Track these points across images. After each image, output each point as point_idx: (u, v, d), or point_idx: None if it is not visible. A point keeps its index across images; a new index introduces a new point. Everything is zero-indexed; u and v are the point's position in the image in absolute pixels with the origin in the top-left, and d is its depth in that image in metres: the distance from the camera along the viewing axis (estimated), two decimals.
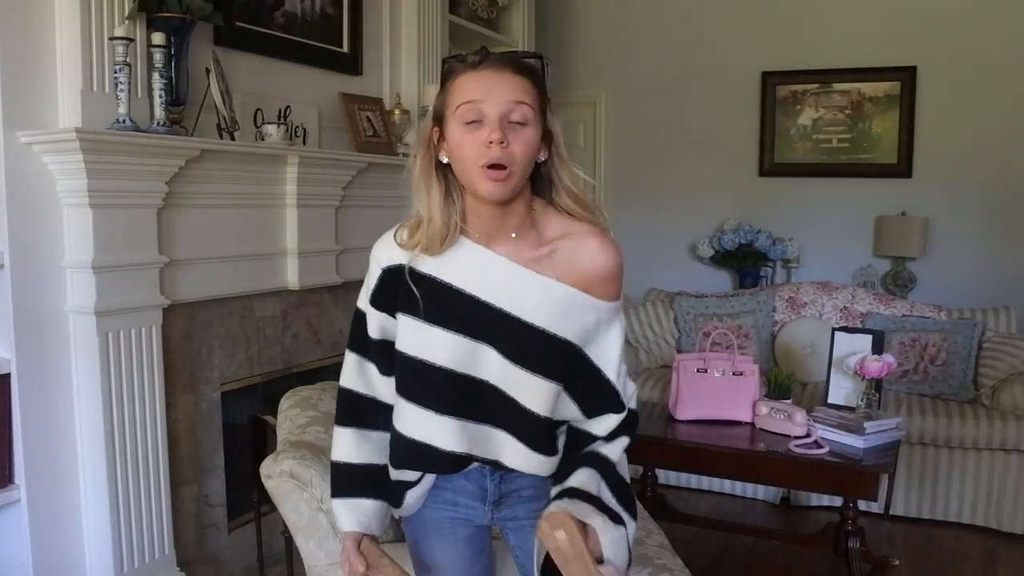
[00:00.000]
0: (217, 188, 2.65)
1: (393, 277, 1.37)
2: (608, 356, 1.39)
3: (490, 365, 1.35)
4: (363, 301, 1.44)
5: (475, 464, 1.44)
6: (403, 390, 1.40)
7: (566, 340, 1.34)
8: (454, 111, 1.28)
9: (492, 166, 1.25)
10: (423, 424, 1.38)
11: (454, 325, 1.33)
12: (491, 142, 1.24)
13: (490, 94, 1.25)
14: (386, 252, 1.39)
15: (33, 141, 2.17)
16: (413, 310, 1.35)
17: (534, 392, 1.34)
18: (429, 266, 1.35)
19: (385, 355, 1.43)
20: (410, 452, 1.41)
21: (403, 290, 1.36)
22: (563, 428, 1.44)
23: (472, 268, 1.34)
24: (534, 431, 1.37)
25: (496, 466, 1.43)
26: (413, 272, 1.35)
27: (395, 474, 1.48)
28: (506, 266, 1.33)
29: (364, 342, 1.45)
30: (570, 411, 1.41)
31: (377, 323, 1.42)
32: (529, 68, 1.31)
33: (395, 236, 1.38)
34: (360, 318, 1.45)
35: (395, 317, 1.39)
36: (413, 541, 1.56)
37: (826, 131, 4.97)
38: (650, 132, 5.33)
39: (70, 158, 2.18)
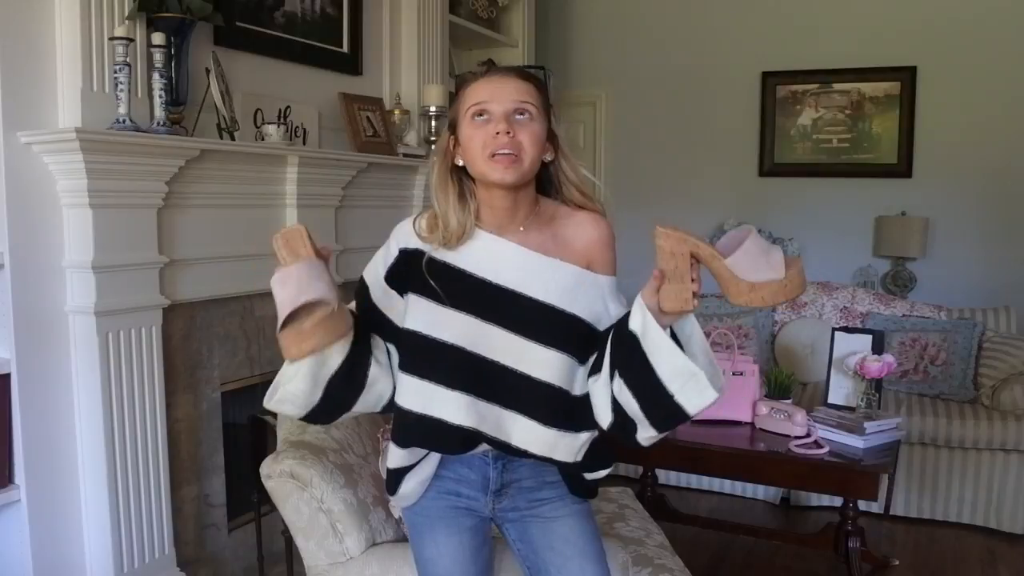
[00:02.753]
0: (217, 188, 2.65)
1: (408, 259, 1.46)
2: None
3: (501, 345, 1.42)
4: (370, 274, 1.52)
5: (480, 449, 1.48)
6: (409, 367, 1.46)
7: (574, 315, 1.43)
8: (465, 113, 1.40)
9: (498, 155, 1.36)
10: (432, 399, 1.43)
11: (466, 307, 1.42)
12: (498, 132, 1.36)
13: (496, 95, 1.38)
14: (406, 234, 1.48)
15: (33, 141, 2.17)
16: (427, 293, 1.43)
17: (548, 364, 1.42)
18: (445, 254, 1.44)
19: (376, 327, 1.49)
20: (418, 428, 1.46)
21: (417, 272, 1.44)
22: (585, 404, 1.46)
23: (485, 255, 1.44)
24: (549, 404, 1.43)
25: (503, 449, 1.46)
26: (431, 261, 1.44)
27: (393, 459, 1.51)
28: (516, 251, 1.43)
29: (364, 307, 1.51)
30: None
31: (382, 295, 1.49)
32: (532, 75, 1.45)
33: (414, 224, 1.48)
34: (363, 289, 1.52)
35: (402, 296, 1.47)
36: (416, 531, 1.59)
37: (826, 131, 4.97)
38: (650, 132, 5.33)
39: (70, 158, 2.18)
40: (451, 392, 1.42)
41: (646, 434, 1.38)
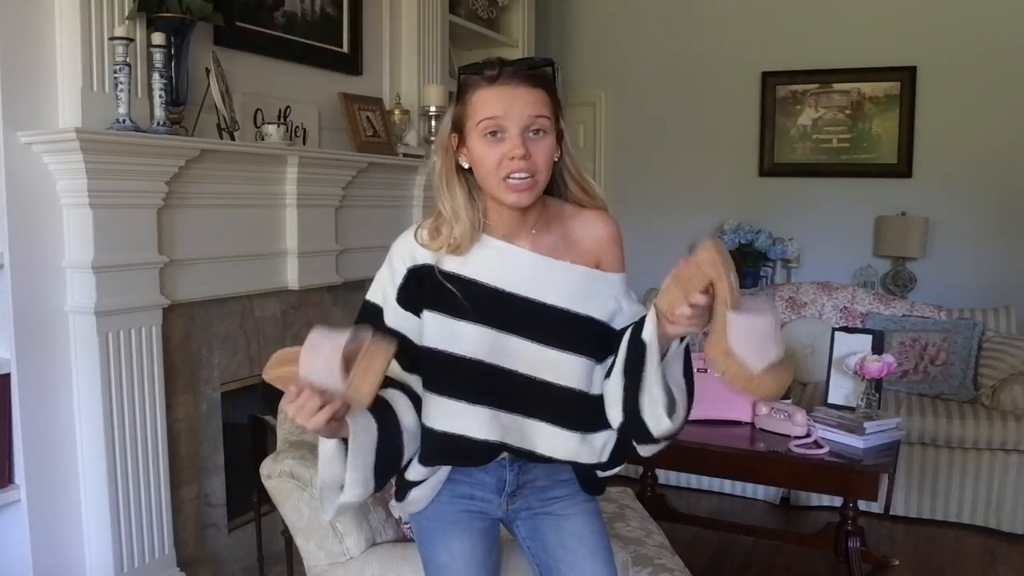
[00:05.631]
0: (217, 188, 2.65)
1: (418, 276, 1.41)
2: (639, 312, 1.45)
3: (519, 354, 1.40)
4: (377, 295, 1.46)
5: (499, 456, 1.47)
6: (432, 385, 1.43)
7: (588, 316, 1.41)
8: (475, 125, 1.34)
9: (513, 178, 1.32)
10: (456, 416, 1.41)
11: (480, 318, 1.39)
12: (513, 157, 1.31)
13: (510, 110, 1.33)
14: (410, 251, 1.43)
15: (33, 141, 2.17)
16: (440, 307, 1.40)
17: (568, 369, 1.41)
18: (453, 264, 1.40)
19: (399, 348, 1.43)
20: (444, 446, 1.43)
21: (429, 289, 1.40)
22: (601, 403, 1.45)
23: (495, 262, 1.40)
24: (572, 409, 1.42)
25: (528, 457, 1.45)
26: (442, 272, 1.40)
27: (412, 472, 1.49)
28: (526, 256, 1.40)
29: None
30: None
31: (394, 318, 1.43)
32: (543, 78, 1.38)
33: (416, 236, 1.43)
34: (374, 311, 1.45)
35: (419, 316, 1.42)
36: (427, 537, 1.56)
37: (826, 131, 4.97)
38: (650, 132, 5.33)
39: (70, 158, 2.18)
40: (473, 407, 1.40)
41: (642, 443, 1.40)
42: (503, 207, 1.38)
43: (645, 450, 1.42)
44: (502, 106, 1.33)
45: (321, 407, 1.19)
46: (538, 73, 1.38)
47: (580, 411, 1.43)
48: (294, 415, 1.21)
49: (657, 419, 1.34)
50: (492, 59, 1.38)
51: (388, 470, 1.42)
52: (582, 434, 1.43)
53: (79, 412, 2.34)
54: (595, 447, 1.45)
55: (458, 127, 1.39)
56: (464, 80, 1.39)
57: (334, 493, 1.36)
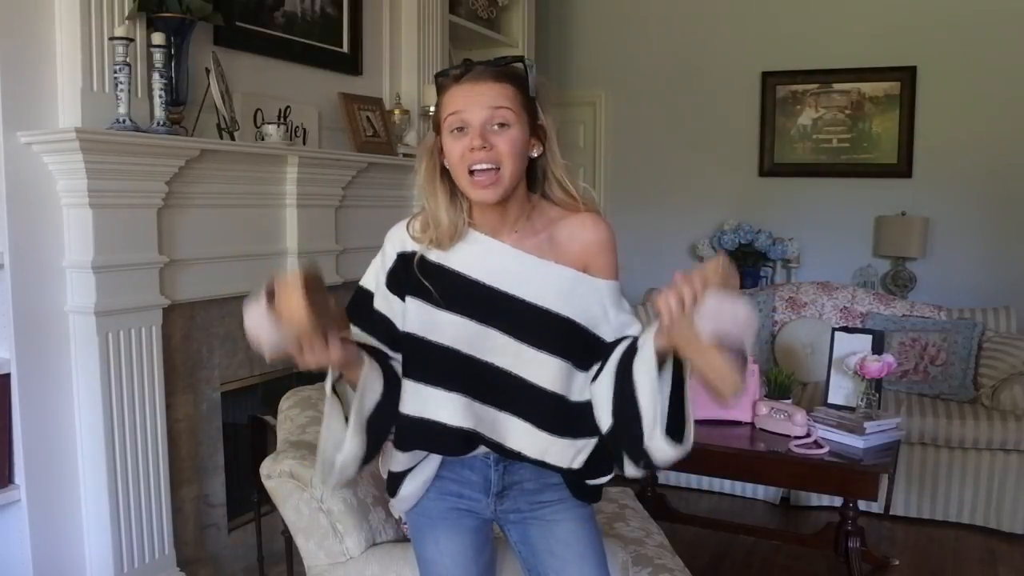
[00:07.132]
0: (217, 188, 2.65)
1: (405, 262, 1.45)
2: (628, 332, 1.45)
3: (497, 347, 1.41)
4: (370, 282, 1.51)
5: (480, 451, 1.47)
6: (409, 370, 1.45)
7: (568, 318, 1.41)
8: (443, 122, 1.38)
9: (477, 172, 1.34)
10: (429, 401, 1.43)
11: (461, 309, 1.41)
12: (473, 148, 1.34)
13: (470, 104, 1.36)
14: (400, 238, 1.48)
15: (33, 141, 2.17)
16: (422, 295, 1.42)
17: (542, 368, 1.41)
18: (439, 255, 1.43)
19: (384, 332, 1.48)
20: (417, 430, 1.45)
21: (413, 275, 1.43)
22: (584, 411, 1.44)
23: (479, 256, 1.42)
24: (545, 409, 1.42)
25: (498, 450, 1.46)
26: (423, 261, 1.43)
27: (396, 463, 1.52)
28: (510, 253, 1.42)
29: (368, 316, 1.49)
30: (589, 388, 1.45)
31: (383, 301, 1.48)
32: (510, 73, 1.40)
33: (408, 226, 1.47)
34: (365, 296, 1.50)
35: (403, 300, 1.45)
36: (417, 532, 1.58)
37: (826, 131, 4.97)
38: (650, 132, 5.33)
39: (70, 158, 2.18)
40: (448, 394, 1.42)
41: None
42: (484, 203, 1.40)
43: (632, 469, 1.41)
44: (463, 101, 1.36)
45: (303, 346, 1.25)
46: (506, 69, 1.39)
47: (555, 413, 1.42)
48: (307, 364, 1.27)
49: (653, 436, 1.36)
50: (464, 61, 1.41)
51: (378, 430, 1.43)
52: (554, 436, 1.43)
53: (79, 412, 2.34)
54: (566, 452, 1.44)
55: (437, 129, 1.42)
56: (438, 83, 1.43)
57: (333, 454, 1.40)
